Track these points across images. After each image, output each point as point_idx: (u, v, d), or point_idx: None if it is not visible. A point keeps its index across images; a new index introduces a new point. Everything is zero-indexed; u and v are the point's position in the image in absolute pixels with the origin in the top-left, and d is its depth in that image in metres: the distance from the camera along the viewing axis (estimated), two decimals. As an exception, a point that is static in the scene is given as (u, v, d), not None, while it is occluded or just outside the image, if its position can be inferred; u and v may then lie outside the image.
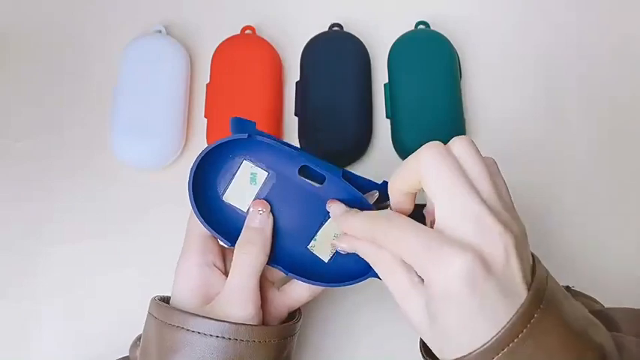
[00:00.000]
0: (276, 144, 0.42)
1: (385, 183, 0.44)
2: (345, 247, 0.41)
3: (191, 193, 0.42)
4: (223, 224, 0.43)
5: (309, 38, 0.60)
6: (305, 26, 0.61)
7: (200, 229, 0.44)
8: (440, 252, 0.33)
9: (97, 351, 0.51)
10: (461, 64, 0.60)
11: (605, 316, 0.40)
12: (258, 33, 0.61)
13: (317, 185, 0.43)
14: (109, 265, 0.55)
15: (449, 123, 0.56)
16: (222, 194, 0.44)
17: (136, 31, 0.62)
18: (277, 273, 0.45)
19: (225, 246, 0.44)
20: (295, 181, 0.43)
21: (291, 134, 0.59)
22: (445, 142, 0.38)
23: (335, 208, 0.42)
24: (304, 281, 0.43)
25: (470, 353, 0.33)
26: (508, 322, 0.33)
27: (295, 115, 0.59)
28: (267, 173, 0.43)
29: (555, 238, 0.54)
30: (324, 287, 0.44)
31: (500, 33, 0.62)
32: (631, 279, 0.53)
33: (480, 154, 0.37)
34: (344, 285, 0.43)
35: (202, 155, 0.42)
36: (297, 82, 0.59)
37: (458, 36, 0.61)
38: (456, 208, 0.34)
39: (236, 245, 0.42)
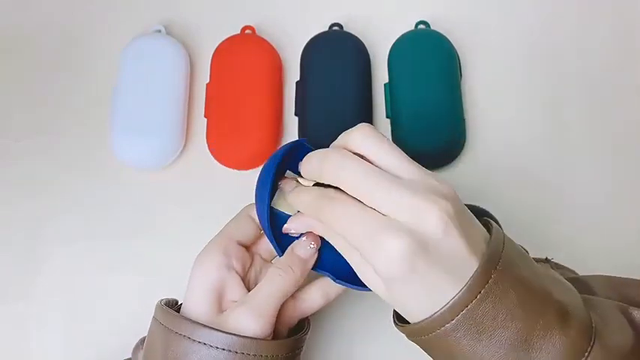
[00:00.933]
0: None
1: None
2: (294, 227, 0.42)
3: (267, 196, 0.42)
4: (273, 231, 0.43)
5: (309, 38, 0.60)
6: (305, 26, 0.61)
7: (232, 232, 0.44)
8: (377, 239, 0.35)
9: (96, 351, 0.52)
10: (461, 64, 0.60)
11: (580, 283, 0.42)
12: (258, 33, 0.61)
13: None
14: (108, 265, 0.55)
15: (449, 123, 0.56)
16: (271, 201, 0.44)
17: (135, 31, 0.62)
18: None
19: (277, 255, 0.44)
20: None
21: (291, 134, 0.59)
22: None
23: (284, 183, 0.43)
24: (353, 288, 0.42)
25: (429, 317, 0.35)
26: (465, 284, 0.35)
27: (295, 115, 0.59)
28: (311, 182, 0.43)
29: (554, 237, 0.54)
30: (361, 291, 0.42)
31: (500, 33, 0.62)
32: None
33: (380, 138, 0.39)
34: None
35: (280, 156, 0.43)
36: (297, 82, 0.59)
37: (458, 36, 0.61)
38: (382, 203, 0.36)
39: (275, 263, 0.42)
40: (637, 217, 0.56)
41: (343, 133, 0.40)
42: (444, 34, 0.59)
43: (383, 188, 0.36)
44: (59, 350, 0.52)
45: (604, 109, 0.59)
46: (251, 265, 0.45)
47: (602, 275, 0.44)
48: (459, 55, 0.60)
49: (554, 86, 0.60)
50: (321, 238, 0.43)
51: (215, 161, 0.57)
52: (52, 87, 0.61)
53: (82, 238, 0.56)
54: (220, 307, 0.42)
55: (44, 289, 0.54)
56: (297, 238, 0.43)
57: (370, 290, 0.39)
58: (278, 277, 0.41)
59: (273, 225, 0.43)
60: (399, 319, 0.40)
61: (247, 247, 0.45)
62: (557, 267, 0.47)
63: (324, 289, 0.44)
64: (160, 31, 0.61)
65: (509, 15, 0.63)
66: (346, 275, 0.42)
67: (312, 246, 0.42)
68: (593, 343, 0.36)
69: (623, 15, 0.63)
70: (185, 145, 0.58)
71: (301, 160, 0.42)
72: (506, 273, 0.36)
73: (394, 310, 0.40)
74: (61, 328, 0.53)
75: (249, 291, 0.43)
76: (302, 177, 0.42)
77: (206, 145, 0.57)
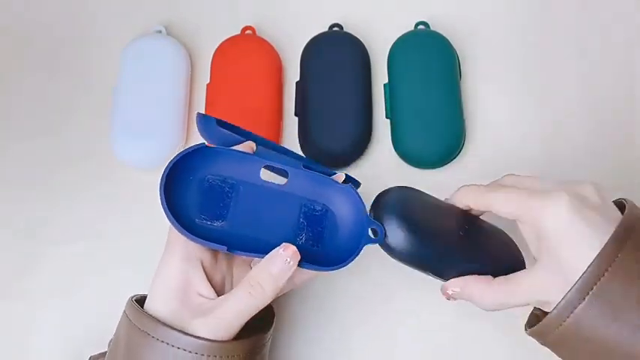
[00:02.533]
0: (230, 152, 0.43)
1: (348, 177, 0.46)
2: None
3: (168, 213, 0.41)
4: (212, 231, 0.42)
5: (309, 38, 0.60)
6: (305, 26, 0.61)
7: None
8: (544, 198, 0.38)
9: (96, 351, 0.51)
10: (461, 64, 0.60)
11: None
12: (258, 33, 0.61)
13: (282, 182, 0.44)
14: (108, 265, 0.55)
15: (449, 123, 0.56)
16: (197, 215, 0.43)
17: (136, 31, 0.62)
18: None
19: (222, 251, 0.43)
20: (262, 185, 0.43)
21: (291, 134, 0.59)
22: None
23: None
24: (314, 268, 0.42)
25: (560, 301, 0.37)
26: (593, 261, 0.36)
27: (295, 115, 0.59)
28: (232, 184, 0.43)
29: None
30: (331, 271, 0.42)
31: (500, 33, 0.62)
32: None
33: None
34: (347, 263, 0.42)
35: (164, 180, 0.41)
36: (297, 82, 0.59)
37: (458, 36, 0.61)
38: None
39: (245, 280, 0.41)
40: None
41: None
42: (444, 34, 0.59)
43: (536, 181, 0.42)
44: (59, 350, 0.52)
45: (604, 110, 0.59)
46: (218, 253, 0.44)
47: None
48: (459, 55, 0.60)
49: (554, 86, 0.60)
50: None
51: (215, 161, 0.57)
52: (52, 87, 0.61)
53: (82, 237, 0.56)
54: (185, 301, 0.41)
55: (43, 288, 0.54)
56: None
57: (330, 268, 0.41)
58: (247, 294, 0.40)
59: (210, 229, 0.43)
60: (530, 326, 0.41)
61: None
62: None
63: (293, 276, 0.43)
64: (160, 31, 0.61)
65: (508, 15, 0.63)
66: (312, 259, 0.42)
67: (289, 262, 0.41)
68: None
69: (623, 15, 0.63)
70: (185, 145, 0.58)
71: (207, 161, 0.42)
72: (637, 248, 0.36)
73: (527, 324, 0.42)
74: (60, 328, 0.53)
75: (219, 281, 0.43)
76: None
77: (206, 145, 0.57)
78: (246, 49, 0.59)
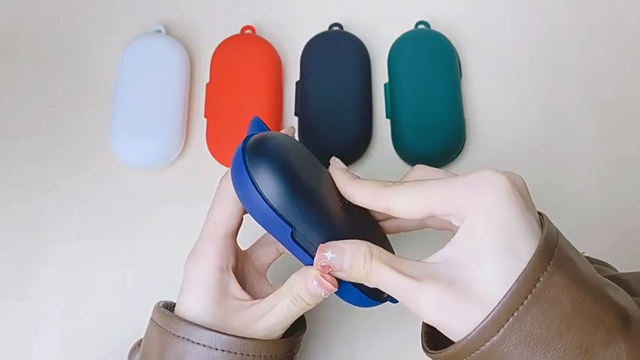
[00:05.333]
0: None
1: None
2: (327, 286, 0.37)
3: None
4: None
5: (309, 38, 0.60)
6: (305, 26, 0.61)
7: (223, 227, 0.41)
8: (479, 178, 0.35)
9: (96, 351, 0.52)
10: (461, 64, 0.60)
11: (621, 281, 0.37)
12: (258, 33, 0.61)
13: None
14: (108, 265, 0.55)
15: (449, 123, 0.56)
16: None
17: (135, 31, 0.62)
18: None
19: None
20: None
21: (291, 134, 0.59)
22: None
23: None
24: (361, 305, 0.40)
25: (472, 331, 0.32)
26: (510, 289, 0.32)
27: (295, 115, 0.59)
28: None
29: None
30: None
31: (500, 33, 0.62)
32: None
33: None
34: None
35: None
36: (297, 82, 0.59)
37: (458, 36, 0.61)
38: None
39: (287, 288, 0.39)
40: (637, 216, 0.56)
41: None
42: (444, 34, 0.59)
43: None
44: (59, 350, 0.52)
45: (604, 110, 0.59)
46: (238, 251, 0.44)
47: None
48: (459, 55, 0.60)
49: (555, 86, 0.60)
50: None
51: (215, 161, 0.57)
52: (52, 87, 0.61)
53: (82, 238, 0.56)
54: (224, 304, 0.41)
55: (44, 289, 0.54)
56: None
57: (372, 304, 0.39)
58: (292, 304, 0.39)
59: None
60: (427, 344, 0.37)
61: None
62: (591, 261, 0.42)
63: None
64: (160, 31, 0.61)
65: (509, 15, 0.63)
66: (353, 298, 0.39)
67: (323, 294, 0.38)
68: None
69: (624, 14, 0.63)
70: (185, 145, 0.58)
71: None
72: (560, 270, 0.32)
73: (422, 335, 0.38)
74: (60, 328, 0.53)
75: (244, 279, 0.43)
76: None
77: (206, 145, 0.57)
78: (246, 49, 0.59)
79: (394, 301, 0.38)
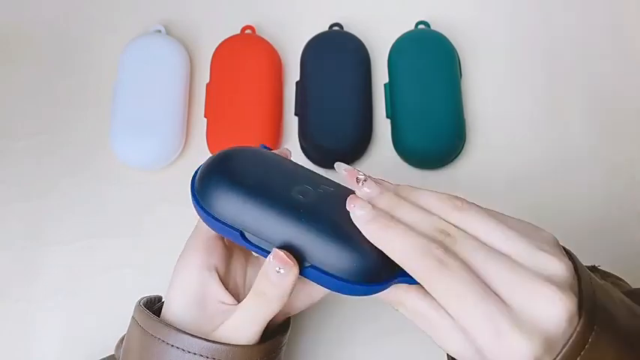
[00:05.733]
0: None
1: None
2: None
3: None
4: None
5: (309, 38, 0.60)
6: (305, 26, 0.61)
7: (204, 231, 0.42)
8: (504, 336, 0.31)
9: (96, 351, 0.51)
10: (461, 64, 0.60)
11: (637, 296, 0.38)
12: (258, 33, 0.61)
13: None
14: (108, 265, 0.55)
15: (449, 123, 0.56)
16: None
17: (135, 31, 0.62)
18: None
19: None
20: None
21: (291, 134, 0.59)
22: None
23: (353, 202, 0.36)
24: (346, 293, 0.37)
25: None
26: (566, 346, 0.32)
27: (295, 115, 0.59)
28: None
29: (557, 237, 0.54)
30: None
31: (500, 33, 0.62)
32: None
33: (483, 213, 0.35)
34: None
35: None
36: (297, 82, 0.59)
37: (458, 36, 0.61)
38: (508, 289, 0.32)
39: (253, 287, 0.39)
40: (637, 217, 0.56)
41: (425, 192, 0.36)
42: (444, 34, 0.59)
43: (509, 272, 0.32)
44: (59, 350, 0.52)
45: (604, 109, 0.59)
46: (232, 255, 0.44)
47: None
48: (459, 55, 0.60)
49: (555, 86, 0.60)
50: None
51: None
52: (52, 87, 0.61)
53: (82, 238, 0.56)
54: (205, 308, 0.41)
55: (44, 289, 0.54)
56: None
57: (361, 294, 0.36)
58: (254, 303, 0.39)
59: None
60: None
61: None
62: (605, 275, 0.44)
63: (307, 290, 0.42)
64: (160, 31, 0.61)
65: (509, 15, 0.63)
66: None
67: (280, 271, 0.36)
68: None
69: (624, 14, 0.63)
70: (185, 145, 0.58)
71: None
72: (605, 332, 0.32)
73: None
74: (60, 328, 0.53)
75: (235, 286, 0.42)
76: None
77: (206, 145, 0.57)
78: (246, 49, 0.59)
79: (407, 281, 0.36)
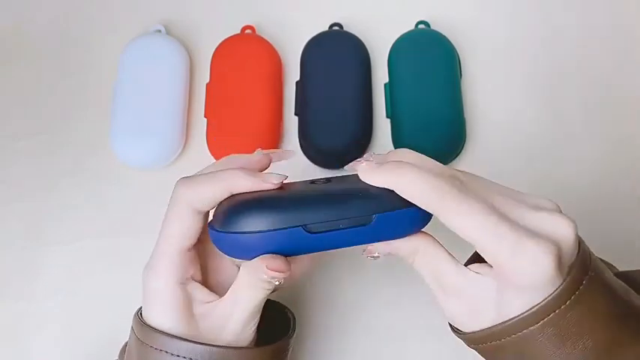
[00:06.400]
0: None
1: None
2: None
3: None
4: None
5: (309, 38, 0.60)
6: (305, 26, 0.61)
7: (180, 241, 0.39)
8: (528, 244, 0.33)
9: (96, 351, 0.52)
10: (461, 64, 0.60)
11: (629, 279, 0.40)
12: (258, 33, 0.61)
13: None
14: (109, 265, 0.55)
15: (449, 123, 0.56)
16: None
17: (135, 30, 0.62)
18: None
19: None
20: None
21: (291, 134, 0.59)
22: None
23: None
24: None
25: (511, 319, 0.34)
26: (556, 289, 0.34)
27: (295, 115, 0.59)
28: None
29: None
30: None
31: (500, 33, 0.62)
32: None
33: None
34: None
35: None
36: (297, 82, 0.59)
37: (458, 36, 0.61)
38: (526, 213, 0.35)
39: (243, 282, 0.38)
40: (637, 216, 0.56)
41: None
42: (444, 34, 0.59)
43: (517, 203, 0.35)
44: (59, 350, 0.52)
45: (604, 109, 0.59)
46: (204, 257, 0.42)
47: None
48: (459, 55, 0.60)
49: (555, 86, 0.60)
50: None
51: (215, 161, 0.57)
52: (51, 87, 0.61)
53: (82, 238, 0.56)
54: (188, 313, 0.39)
55: (44, 289, 0.54)
56: None
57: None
58: (245, 296, 0.38)
59: None
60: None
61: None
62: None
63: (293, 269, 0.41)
64: (160, 31, 0.61)
65: (509, 15, 0.63)
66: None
67: (279, 281, 0.37)
68: None
69: (624, 15, 0.63)
70: (185, 145, 0.58)
71: None
72: (597, 279, 0.35)
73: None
74: (61, 328, 0.53)
75: (213, 282, 0.41)
76: None
77: (206, 145, 0.57)
78: (246, 49, 0.59)
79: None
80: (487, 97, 0.60)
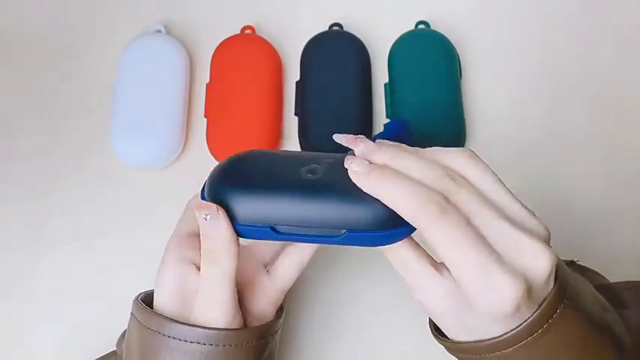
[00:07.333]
0: None
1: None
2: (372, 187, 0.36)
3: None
4: None
5: (309, 38, 0.60)
6: (305, 26, 0.61)
7: (183, 228, 0.43)
8: (492, 277, 0.33)
9: (96, 351, 0.51)
10: (461, 64, 0.60)
11: (611, 292, 0.41)
12: (258, 33, 0.61)
13: None
14: (108, 265, 0.55)
15: (449, 123, 0.56)
16: None
17: (135, 30, 0.62)
18: (268, 251, 0.44)
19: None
20: None
21: (291, 134, 0.59)
22: (445, 142, 0.38)
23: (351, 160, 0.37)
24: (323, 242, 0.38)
25: (486, 340, 0.35)
26: (531, 316, 0.34)
27: (295, 115, 0.59)
28: None
29: (554, 235, 0.54)
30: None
31: (500, 33, 0.62)
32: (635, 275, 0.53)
33: (485, 166, 0.37)
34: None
35: None
36: (297, 82, 0.59)
37: (458, 36, 0.61)
38: (499, 238, 0.34)
39: (201, 259, 0.40)
40: (637, 214, 0.56)
41: (436, 149, 0.37)
42: (444, 34, 0.59)
43: (502, 223, 0.34)
44: (59, 350, 0.52)
45: (605, 109, 0.59)
46: None
47: (632, 282, 0.44)
48: (459, 55, 0.60)
49: (555, 86, 0.60)
50: None
51: (215, 161, 0.57)
52: (51, 87, 0.61)
53: (82, 238, 0.56)
54: (186, 300, 0.41)
55: (44, 289, 0.54)
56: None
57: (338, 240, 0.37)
58: (206, 268, 0.39)
59: None
60: (439, 332, 0.39)
61: None
62: (583, 270, 0.46)
63: (295, 254, 0.42)
64: (160, 31, 0.61)
65: (509, 15, 0.63)
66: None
67: (207, 217, 0.38)
68: None
69: (624, 14, 0.63)
70: (185, 145, 0.58)
71: None
72: (571, 307, 0.35)
73: (431, 322, 0.40)
74: (60, 328, 0.53)
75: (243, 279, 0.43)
76: None
77: (206, 145, 0.57)
78: (245, 49, 0.59)
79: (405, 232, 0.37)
80: (487, 97, 0.60)
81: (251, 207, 0.38)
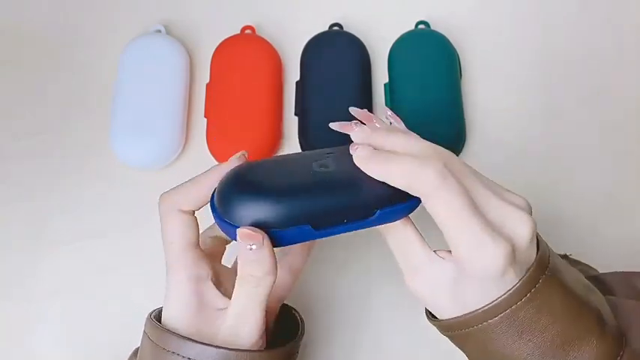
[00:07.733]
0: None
1: None
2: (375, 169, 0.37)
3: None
4: None
5: (309, 38, 0.60)
6: (305, 26, 0.61)
7: (182, 239, 0.40)
8: (484, 238, 0.35)
9: (96, 352, 0.52)
10: (461, 64, 0.60)
11: (600, 281, 0.43)
12: (258, 33, 0.61)
13: None
14: (109, 265, 0.55)
15: (449, 123, 0.56)
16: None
17: (135, 30, 0.62)
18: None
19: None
20: None
21: (291, 134, 0.59)
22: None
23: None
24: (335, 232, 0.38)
25: (474, 311, 0.37)
26: (514, 286, 0.36)
27: (295, 115, 0.59)
28: None
29: (554, 235, 0.54)
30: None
31: (500, 33, 0.62)
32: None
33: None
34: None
35: None
36: (297, 82, 0.59)
37: (458, 36, 0.61)
38: (490, 208, 0.37)
39: (237, 280, 0.39)
40: (637, 216, 0.56)
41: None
42: (444, 34, 0.59)
43: (490, 193, 0.37)
44: (59, 350, 0.52)
45: (604, 109, 0.59)
46: (217, 259, 0.44)
47: (620, 273, 0.45)
48: (459, 55, 0.60)
49: (555, 86, 0.60)
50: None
51: (215, 161, 0.57)
52: (51, 87, 0.61)
53: (82, 238, 0.56)
54: (206, 317, 0.40)
55: (44, 289, 0.54)
56: None
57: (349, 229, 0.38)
58: (242, 292, 0.38)
59: None
60: (432, 314, 0.40)
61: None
62: (575, 263, 0.47)
63: (288, 263, 0.43)
64: (160, 31, 0.61)
65: (509, 15, 0.63)
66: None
67: (252, 247, 0.37)
68: (624, 348, 0.38)
69: (624, 14, 0.63)
70: (185, 145, 0.58)
71: None
72: (553, 279, 0.37)
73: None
74: (60, 328, 0.53)
75: (227, 288, 0.41)
76: None
77: (206, 145, 0.57)
78: (245, 49, 0.59)
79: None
80: (487, 97, 0.60)
81: (286, 211, 0.37)
